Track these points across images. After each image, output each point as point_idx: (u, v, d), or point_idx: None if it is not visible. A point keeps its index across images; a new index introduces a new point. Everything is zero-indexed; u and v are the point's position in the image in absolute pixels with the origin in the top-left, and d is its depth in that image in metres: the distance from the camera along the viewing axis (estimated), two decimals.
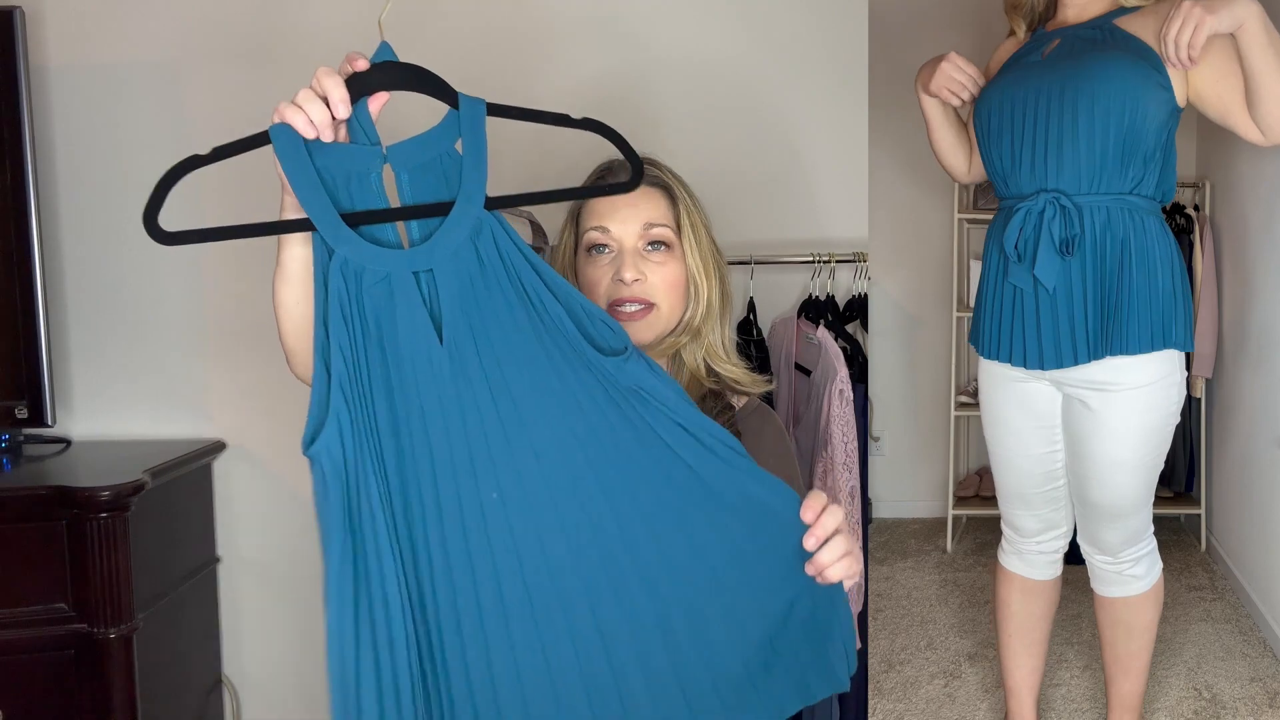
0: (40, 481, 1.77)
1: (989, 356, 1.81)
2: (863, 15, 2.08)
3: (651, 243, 1.26)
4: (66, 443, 2.10)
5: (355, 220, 1.00)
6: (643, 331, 1.25)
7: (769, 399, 1.71)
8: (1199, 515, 3.18)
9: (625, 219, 1.25)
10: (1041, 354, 1.71)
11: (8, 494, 1.73)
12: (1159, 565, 1.91)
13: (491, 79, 2.12)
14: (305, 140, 0.99)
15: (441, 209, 1.01)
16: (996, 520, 3.74)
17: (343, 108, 0.99)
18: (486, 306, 1.00)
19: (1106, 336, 1.67)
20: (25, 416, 1.95)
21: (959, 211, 3.28)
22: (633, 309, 1.24)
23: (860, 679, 1.90)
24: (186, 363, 2.16)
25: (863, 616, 1.86)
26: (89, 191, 2.12)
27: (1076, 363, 1.69)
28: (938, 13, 3.32)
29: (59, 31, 2.10)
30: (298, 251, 1.04)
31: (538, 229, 2.00)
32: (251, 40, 2.11)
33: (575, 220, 1.31)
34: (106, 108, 2.11)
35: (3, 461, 1.94)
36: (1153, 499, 1.84)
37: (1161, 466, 1.80)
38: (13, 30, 1.90)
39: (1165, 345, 1.68)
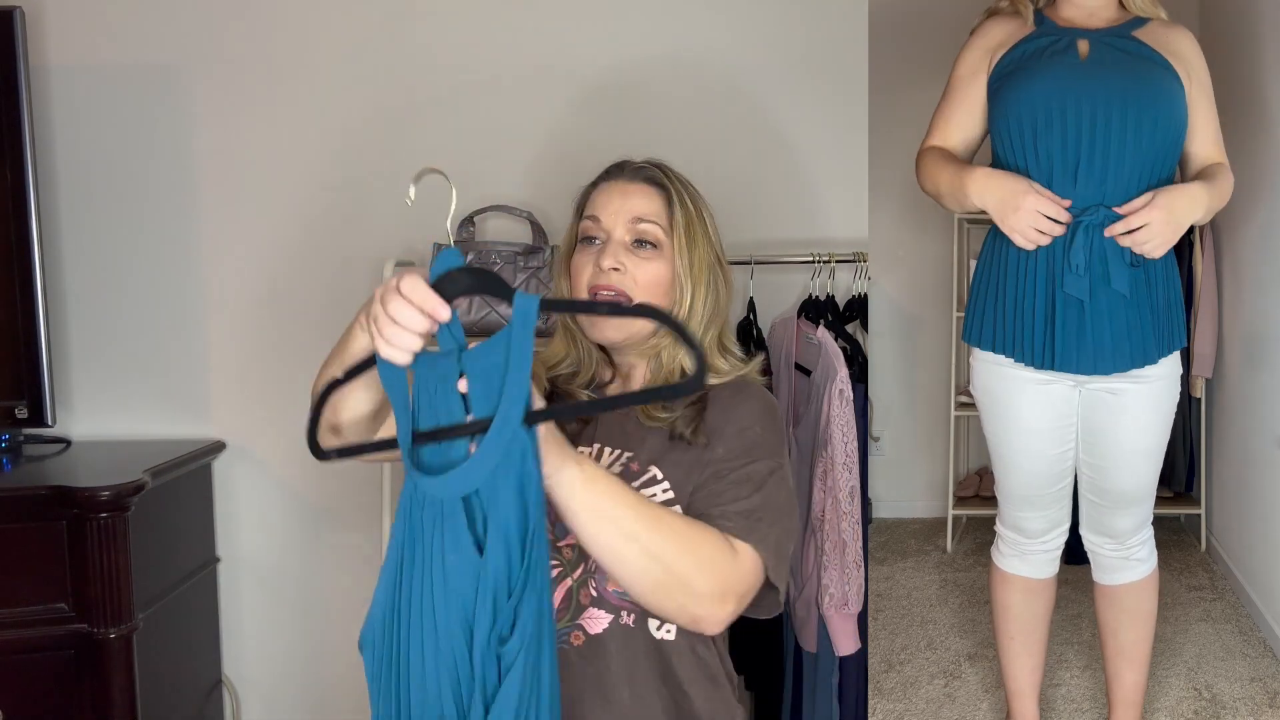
0: (40, 481, 1.77)
1: (1041, 366, 1.76)
2: (863, 15, 2.08)
3: (639, 240, 1.26)
4: (66, 443, 2.10)
5: (418, 440, 1.01)
6: (616, 331, 1.25)
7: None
8: (1199, 515, 3.18)
9: (617, 210, 1.26)
10: (1097, 359, 1.72)
11: (8, 494, 1.73)
12: (1155, 550, 1.96)
13: (491, 82, 2.11)
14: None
15: (481, 426, 0.98)
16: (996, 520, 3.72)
17: (404, 357, 1.00)
18: (511, 521, 0.99)
19: (1163, 338, 1.74)
20: (25, 416, 1.95)
21: (959, 211, 3.27)
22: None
23: (860, 679, 1.90)
24: (186, 363, 2.16)
25: (863, 616, 1.86)
26: (89, 191, 2.13)
27: (1142, 365, 1.73)
28: (938, 13, 3.32)
29: (59, 31, 2.10)
30: (364, 343, 1.08)
31: (538, 229, 2.00)
32: (251, 40, 2.11)
33: (579, 210, 1.33)
34: (106, 108, 2.11)
35: (3, 461, 1.94)
36: None
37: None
38: (13, 30, 1.90)
39: (1185, 341, 1.79)
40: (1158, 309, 1.73)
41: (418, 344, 0.99)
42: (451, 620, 1.00)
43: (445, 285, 1.00)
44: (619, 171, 1.31)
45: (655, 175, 1.30)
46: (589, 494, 1.03)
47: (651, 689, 1.18)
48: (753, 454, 1.21)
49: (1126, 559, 1.92)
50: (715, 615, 1.11)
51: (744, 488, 1.18)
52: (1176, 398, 1.81)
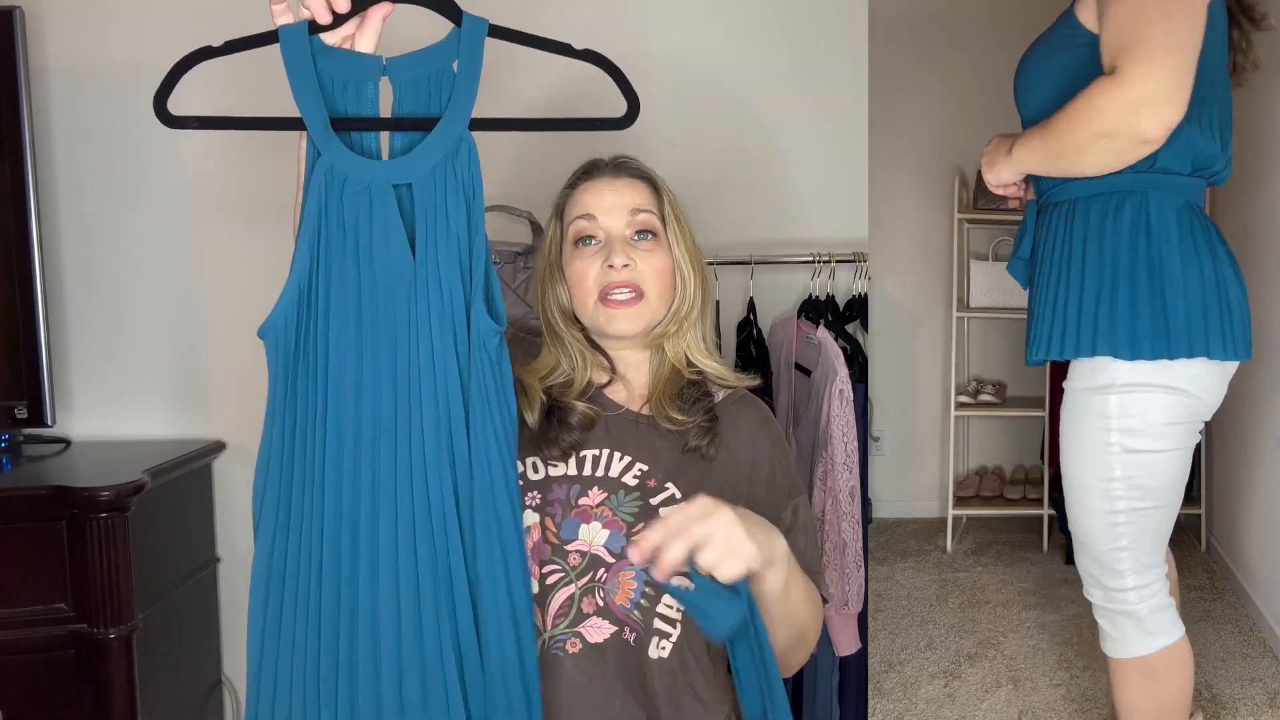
0: (40, 481, 1.77)
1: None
2: (863, 15, 2.08)
3: (639, 231, 1.26)
4: (66, 443, 2.10)
5: (343, 126, 1.03)
6: (632, 323, 1.24)
7: (762, 395, 1.70)
8: (1199, 515, 3.19)
9: (612, 207, 1.26)
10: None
11: (8, 494, 1.73)
12: (1113, 636, 1.71)
13: (490, 82, 2.11)
14: (312, 42, 1.03)
15: (426, 123, 1.04)
16: (996, 520, 3.73)
17: (342, 3, 1.03)
18: (452, 226, 1.04)
19: (1043, 338, 1.60)
20: (25, 416, 1.95)
21: (959, 211, 3.28)
22: (624, 295, 1.23)
23: (860, 679, 1.90)
24: (186, 363, 2.16)
25: (863, 616, 1.86)
26: (89, 192, 2.13)
27: (1029, 362, 1.67)
28: (938, 13, 3.33)
29: (59, 31, 2.10)
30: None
31: (538, 229, 2.00)
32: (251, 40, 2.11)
33: (560, 213, 1.31)
34: (106, 108, 2.11)
35: (3, 461, 1.94)
36: None
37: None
38: (13, 30, 1.90)
39: (1107, 348, 1.57)
40: (1045, 305, 1.53)
41: (319, 5, 1.02)
42: (379, 311, 1.03)
43: None
44: (599, 170, 1.30)
45: (639, 168, 1.30)
46: (788, 566, 1.11)
47: (641, 705, 1.16)
48: (790, 494, 1.27)
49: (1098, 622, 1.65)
50: (804, 661, 1.25)
51: (799, 537, 1.24)
52: (1101, 421, 1.50)
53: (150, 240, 2.14)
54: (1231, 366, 1.53)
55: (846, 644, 1.84)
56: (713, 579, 0.98)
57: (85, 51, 2.11)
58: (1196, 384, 1.48)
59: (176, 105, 1.08)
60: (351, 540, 1.03)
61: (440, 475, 1.03)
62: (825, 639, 1.85)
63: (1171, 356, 1.45)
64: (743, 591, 0.99)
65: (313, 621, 1.02)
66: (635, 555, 0.97)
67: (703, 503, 1.00)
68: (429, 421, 1.03)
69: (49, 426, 1.99)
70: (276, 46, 1.04)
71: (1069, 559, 2.00)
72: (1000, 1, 3.29)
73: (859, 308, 2.02)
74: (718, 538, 0.98)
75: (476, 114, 1.07)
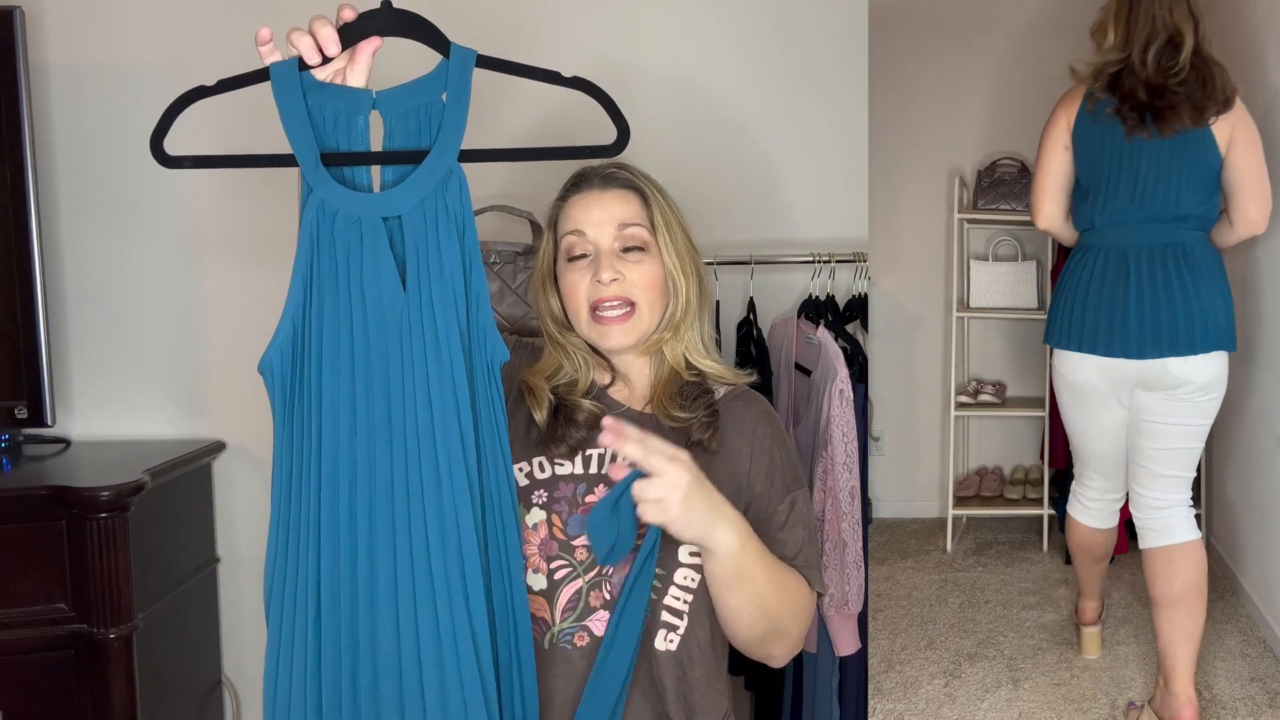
0: (40, 481, 1.77)
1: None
2: (863, 15, 2.08)
3: (627, 245, 1.26)
4: (66, 443, 2.10)
5: (333, 161, 1.03)
6: (625, 336, 1.26)
7: (763, 391, 1.70)
8: (1199, 515, 3.18)
9: (600, 221, 1.26)
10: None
11: (8, 494, 1.73)
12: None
13: (492, 83, 2.11)
14: (302, 78, 1.04)
15: (415, 157, 1.04)
16: (996, 520, 3.73)
17: (332, 45, 1.04)
18: (444, 258, 1.04)
19: None
20: (25, 416, 1.95)
21: (959, 211, 3.27)
22: (614, 313, 1.24)
23: (860, 679, 1.90)
24: (186, 363, 2.16)
25: (863, 616, 1.86)
26: (89, 191, 2.12)
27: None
28: (938, 12, 3.32)
29: (59, 31, 2.10)
30: None
31: (538, 229, 2.00)
32: (251, 39, 2.11)
33: (553, 228, 1.32)
34: (106, 108, 2.11)
35: (2, 461, 1.94)
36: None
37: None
38: (13, 30, 1.90)
39: (1051, 339, 2.19)
40: None
41: (308, 46, 1.04)
42: (371, 345, 1.04)
43: (367, 17, 1.05)
44: (588, 182, 1.30)
45: (626, 178, 1.30)
46: (738, 560, 1.12)
47: (646, 697, 1.18)
48: (789, 487, 1.27)
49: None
50: (791, 654, 1.27)
51: (797, 530, 1.25)
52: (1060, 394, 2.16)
53: (150, 240, 2.14)
54: (1083, 359, 2.08)
55: (846, 644, 1.84)
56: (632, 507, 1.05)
57: (85, 51, 2.11)
58: (1061, 362, 2.14)
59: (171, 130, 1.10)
60: (350, 575, 1.03)
61: (455, 504, 1.04)
62: (825, 639, 1.85)
63: (1045, 341, 2.22)
64: (649, 537, 1.08)
65: (312, 659, 1.04)
66: (610, 432, 1.05)
67: (678, 454, 1.06)
68: (426, 455, 1.04)
69: (49, 426, 1.99)
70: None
71: (1069, 559, 2.01)
72: (1000, 2, 3.29)
73: (859, 308, 2.02)
74: (657, 483, 1.04)
75: (468, 141, 1.07)
